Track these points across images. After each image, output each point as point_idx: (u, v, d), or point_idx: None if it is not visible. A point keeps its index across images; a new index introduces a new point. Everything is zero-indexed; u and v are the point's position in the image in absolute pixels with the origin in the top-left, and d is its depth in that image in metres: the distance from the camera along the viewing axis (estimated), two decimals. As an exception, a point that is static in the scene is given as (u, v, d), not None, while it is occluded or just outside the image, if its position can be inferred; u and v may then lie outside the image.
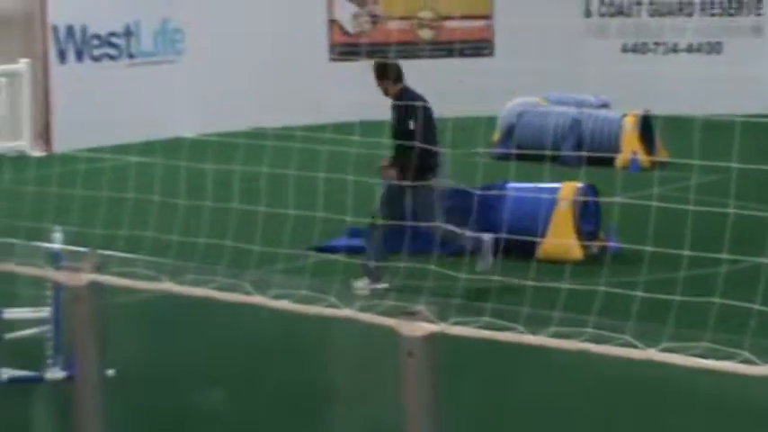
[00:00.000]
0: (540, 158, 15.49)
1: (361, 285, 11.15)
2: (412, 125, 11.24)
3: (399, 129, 11.30)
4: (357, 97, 17.75)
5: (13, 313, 9.87)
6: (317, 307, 4.21)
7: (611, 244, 12.60)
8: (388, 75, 11.76)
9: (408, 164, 11.00)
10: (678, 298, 4.98)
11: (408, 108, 11.25)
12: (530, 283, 4.12)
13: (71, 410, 4.67)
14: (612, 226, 12.60)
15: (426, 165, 11.14)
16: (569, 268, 9.59)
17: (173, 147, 7.54)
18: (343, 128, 10.55)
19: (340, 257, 7.67)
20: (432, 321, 3.84)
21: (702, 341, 3.77)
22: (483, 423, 8.62)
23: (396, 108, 11.41)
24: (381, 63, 12.00)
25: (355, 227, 11.78)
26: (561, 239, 12.19)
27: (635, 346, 3.48)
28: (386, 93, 11.68)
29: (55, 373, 9.57)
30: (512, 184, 12.87)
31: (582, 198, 12.82)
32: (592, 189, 13.14)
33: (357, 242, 12.07)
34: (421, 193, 11.28)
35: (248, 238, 6.65)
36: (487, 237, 11.33)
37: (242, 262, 6.51)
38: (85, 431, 4.45)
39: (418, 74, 22.76)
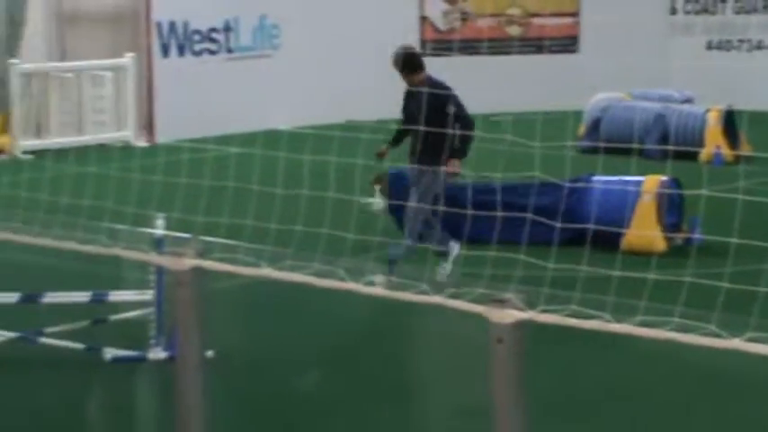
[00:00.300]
0: (624, 152, 15.37)
1: (446, 267, 11.10)
2: (451, 110, 11.06)
3: (434, 116, 10.89)
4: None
5: (117, 296, 10.01)
6: (409, 293, 4.21)
7: (695, 236, 12.48)
8: (414, 64, 11.51)
9: (443, 149, 10.81)
10: (763, 289, 4.92)
11: (443, 95, 11.05)
12: (616, 273, 4.10)
13: (173, 389, 4.72)
14: (696, 218, 12.47)
15: (441, 150, 10.84)
16: (654, 260, 9.50)
17: (270, 138, 7.58)
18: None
19: (431, 246, 7.67)
20: (520, 309, 3.84)
21: (787, 332, 3.73)
22: (568, 408, 8.60)
23: (430, 96, 10.90)
24: (408, 53, 11.71)
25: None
26: (645, 231, 12.09)
27: (720, 336, 3.46)
28: (411, 83, 11.40)
29: (157, 354, 9.69)
30: (597, 177, 12.80)
31: (666, 191, 12.70)
32: (675, 182, 13.01)
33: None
34: (429, 177, 11.12)
35: (343, 227, 6.68)
36: (457, 247, 11.05)
37: (336, 250, 6.55)
38: (186, 409, 4.50)
39: (506, 70, 22.61)
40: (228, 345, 9.06)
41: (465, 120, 11.17)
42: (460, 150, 11.13)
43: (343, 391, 9.12)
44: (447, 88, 11.28)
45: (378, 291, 4.25)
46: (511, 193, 11.92)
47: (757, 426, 8.02)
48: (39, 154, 17.86)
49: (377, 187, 12.41)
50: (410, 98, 11.31)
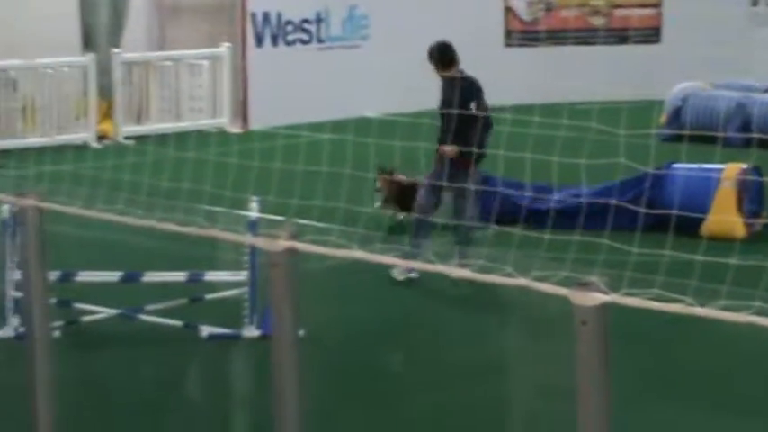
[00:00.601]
0: (705, 140, 15.19)
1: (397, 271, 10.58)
2: (473, 107, 10.70)
3: (465, 109, 10.53)
4: (533, 81, 17.68)
5: (213, 276, 10.12)
6: (495, 276, 4.21)
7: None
8: (449, 58, 11.14)
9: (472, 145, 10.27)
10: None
11: (476, 89, 10.82)
12: (698, 257, 4.07)
13: (267, 365, 4.77)
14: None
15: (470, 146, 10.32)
16: (735, 245, 9.40)
17: (360, 125, 7.59)
18: (521, 109, 10.48)
19: (516, 230, 7.64)
20: (604, 292, 3.82)
21: None
22: (651, 388, 8.55)
23: (463, 91, 10.63)
24: (443, 46, 11.28)
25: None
26: (725, 217, 11.96)
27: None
28: (444, 77, 11.06)
29: (251, 332, 9.78)
30: (677, 165, 12.68)
31: (746, 178, 12.55)
32: (756, 170, 12.85)
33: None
34: (464, 178, 10.68)
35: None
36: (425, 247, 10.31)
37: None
38: (282, 385, 4.53)
39: (590, 60, 22.39)
40: (318, 324, 9.11)
41: (486, 119, 10.71)
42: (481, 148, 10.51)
43: (426, 370, 9.13)
44: (478, 84, 10.96)
45: (465, 273, 4.25)
46: (596, 196, 11.76)
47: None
48: (139, 139, 18.09)
49: (380, 185, 11.94)
50: (450, 89, 10.79)
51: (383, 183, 12.02)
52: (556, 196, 11.68)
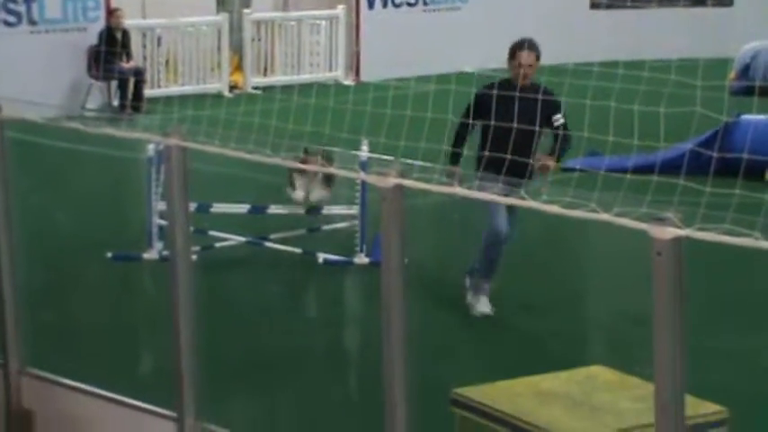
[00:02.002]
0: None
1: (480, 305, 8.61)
2: (560, 120, 8.23)
3: (542, 123, 8.07)
4: (616, 41, 17.41)
5: (329, 209, 10.20)
6: (580, 211, 4.17)
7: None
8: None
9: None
10: None
11: (557, 101, 8.19)
12: (766, 196, 3.99)
13: (375, 289, 4.80)
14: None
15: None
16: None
17: (461, 78, 7.56)
18: (605, 65, 10.29)
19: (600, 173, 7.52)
20: (678, 226, 3.77)
21: None
22: (722, 314, 8.48)
23: (544, 100, 8.06)
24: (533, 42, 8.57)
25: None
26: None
27: None
28: (524, 78, 8.23)
29: (362, 259, 9.85)
30: (746, 116, 12.43)
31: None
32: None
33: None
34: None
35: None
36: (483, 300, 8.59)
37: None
38: (389, 306, 4.57)
39: (670, 21, 21.87)
40: (422, 254, 9.15)
41: (567, 128, 8.16)
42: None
43: (512, 296, 9.12)
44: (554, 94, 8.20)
45: (553, 209, 4.21)
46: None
47: None
48: (265, 89, 18.24)
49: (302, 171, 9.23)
50: (514, 97, 7.59)
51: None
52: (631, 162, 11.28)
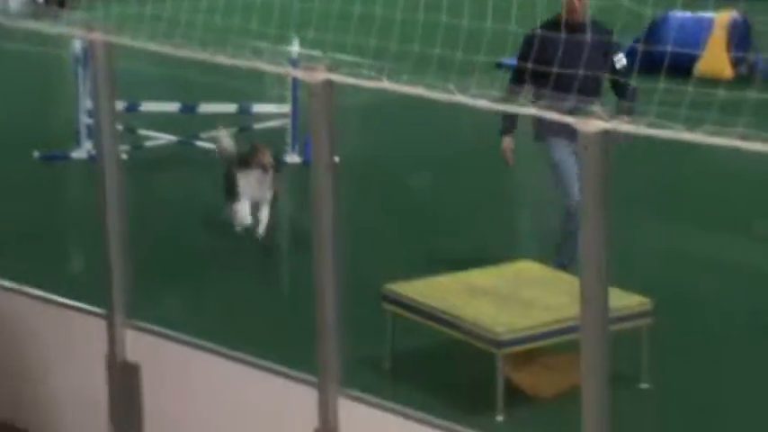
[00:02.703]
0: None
1: None
2: (623, 61, 7.18)
3: (602, 64, 6.97)
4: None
5: (260, 108, 10.11)
6: (507, 105, 4.18)
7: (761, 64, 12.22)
8: None
9: None
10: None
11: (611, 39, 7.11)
12: (689, 89, 4.03)
13: (306, 189, 4.79)
14: (760, 51, 12.19)
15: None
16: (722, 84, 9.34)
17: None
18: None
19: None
20: (604, 120, 3.80)
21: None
22: (647, 203, 8.62)
23: (599, 37, 6.90)
24: None
25: None
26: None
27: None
28: (578, 11, 6.93)
29: (293, 158, 9.82)
30: (674, 14, 12.48)
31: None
32: (744, 19, 12.67)
33: None
34: None
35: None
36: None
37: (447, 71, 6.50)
38: (319, 208, 4.56)
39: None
40: (350, 151, 9.12)
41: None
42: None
43: (448, 192, 9.18)
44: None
45: (483, 103, 4.21)
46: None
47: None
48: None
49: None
50: (569, 36, 6.47)
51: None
52: None
